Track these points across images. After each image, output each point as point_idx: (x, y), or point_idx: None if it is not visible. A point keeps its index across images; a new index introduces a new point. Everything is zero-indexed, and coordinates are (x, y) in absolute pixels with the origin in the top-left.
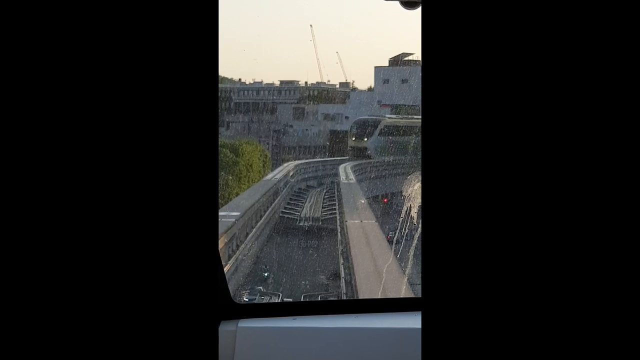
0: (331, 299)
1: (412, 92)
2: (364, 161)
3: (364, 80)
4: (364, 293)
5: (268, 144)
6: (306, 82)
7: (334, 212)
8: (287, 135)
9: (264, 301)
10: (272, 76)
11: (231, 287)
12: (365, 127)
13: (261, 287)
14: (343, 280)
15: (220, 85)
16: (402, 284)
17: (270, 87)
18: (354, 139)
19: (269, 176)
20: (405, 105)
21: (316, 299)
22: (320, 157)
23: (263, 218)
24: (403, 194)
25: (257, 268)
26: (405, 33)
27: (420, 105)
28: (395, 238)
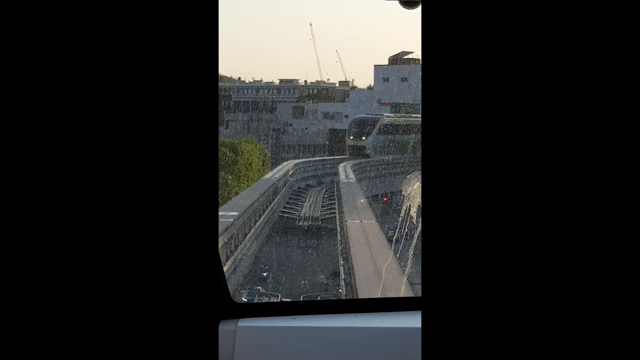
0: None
1: (412, 91)
2: (363, 160)
3: (364, 79)
4: (363, 293)
5: (267, 142)
6: (306, 81)
7: (333, 211)
8: (286, 134)
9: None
10: (272, 75)
11: (229, 287)
12: (363, 126)
13: (260, 288)
14: (343, 282)
15: (219, 84)
16: (401, 283)
17: (269, 86)
18: (352, 137)
19: (268, 175)
20: (404, 103)
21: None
22: (320, 156)
23: (262, 218)
24: (402, 193)
25: (257, 268)
26: (405, 32)
27: (419, 104)
28: (394, 237)
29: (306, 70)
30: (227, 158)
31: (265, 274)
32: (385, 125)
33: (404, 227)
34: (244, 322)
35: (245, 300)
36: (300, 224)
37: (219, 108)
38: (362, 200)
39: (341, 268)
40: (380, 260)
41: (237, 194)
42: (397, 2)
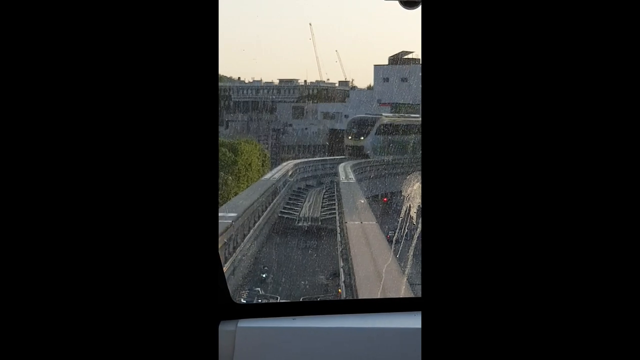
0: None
1: (412, 91)
2: (363, 160)
3: (364, 79)
4: (363, 294)
5: (267, 143)
6: (305, 81)
7: (333, 212)
8: (286, 134)
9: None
10: (272, 75)
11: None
12: (362, 126)
13: (259, 289)
14: (343, 285)
15: (219, 84)
16: (401, 284)
17: (269, 86)
18: (350, 137)
19: (268, 176)
20: (405, 104)
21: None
22: (320, 156)
23: (261, 219)
24: (402, 193)
25: (256, 269)
26: (405, 32)
27: (419, 104)
28: (394, 238)
29: (306, 70)
30: (226, 158)
31: (264, 275)
32: (385, 125)
33: (404, 228)
34: (244, 323)
35: (245, 301)
36: (300, 224)
37: (219, 108)
38: (362, 201)
39: (341, 270)
40: (380, 260)
41: (236, 194)
42: (398, 2)
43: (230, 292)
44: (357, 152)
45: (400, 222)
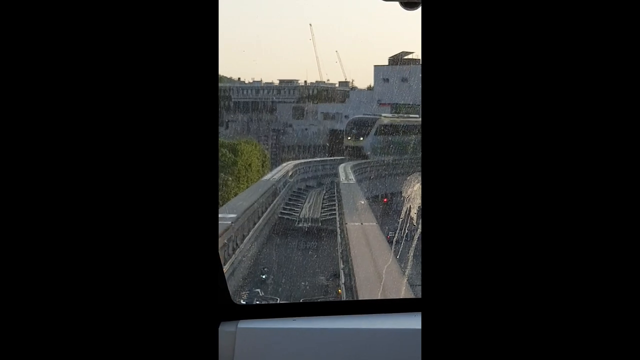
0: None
1: (412, 92)
2: (363, 161)
3: (364, 79)
4: (363, 295)
5: (267, 143)
6: (305, 81)
7: (333, 212)
8: (286, 135)
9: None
10: (272, 75)
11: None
12: (361, 126)
13: (259, 290)
14: (343, 286)
15: (219, 85)
16: (401, 284)
17: (269, 87)
18: (349, 138)
19: (268, 176)
20: (405, 104)
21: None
22: (320, 157)
23: (261, 219)
24: (403, 194)
25: (256, 270)
26: (405, 33)
27: (420, 105)
28: (395, 238)
29: (306, 71)
30: (226, 159)
31: (264, 276)
32: (384, 125)
33: (404, 229)
34: (244, 324)
35: (244, 303)
36: (300, 225)
37: (219, 109)
38: (363, 202)
39: (341, 271)
40: (381, 261)
41: (236, 195)
42: (398, 3)
43: (230, 293)
44: (357, 153)
45: (400, 222)
